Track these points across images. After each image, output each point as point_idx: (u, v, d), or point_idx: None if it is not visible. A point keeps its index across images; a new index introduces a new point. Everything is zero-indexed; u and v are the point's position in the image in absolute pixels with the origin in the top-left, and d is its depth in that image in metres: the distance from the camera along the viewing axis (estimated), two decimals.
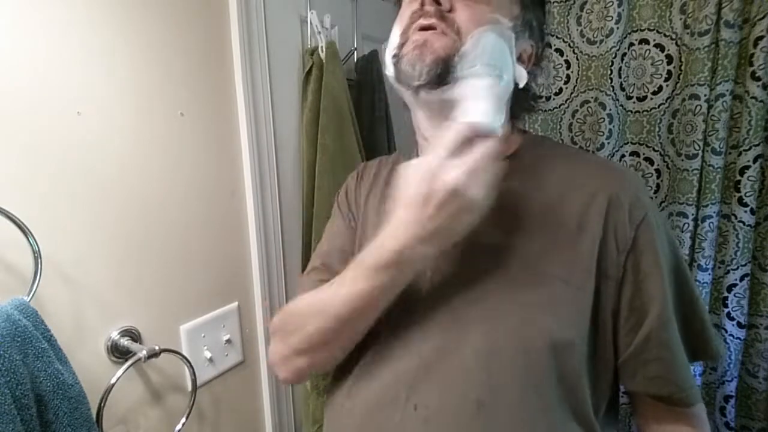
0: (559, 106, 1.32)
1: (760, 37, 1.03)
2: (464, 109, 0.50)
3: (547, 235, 0.54)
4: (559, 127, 1.33)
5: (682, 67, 1.15)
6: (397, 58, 0.54)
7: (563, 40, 1.27)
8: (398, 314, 0.56)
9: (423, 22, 0.52)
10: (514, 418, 0.50)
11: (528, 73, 0.58)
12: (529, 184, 0.57)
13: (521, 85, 0.56)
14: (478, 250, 0.55)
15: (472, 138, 0.46)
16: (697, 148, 1.12)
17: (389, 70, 0.57)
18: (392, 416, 0.53)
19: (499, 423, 0.50)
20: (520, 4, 0.56)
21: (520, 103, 0.61)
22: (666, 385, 0.55)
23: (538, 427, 0.51)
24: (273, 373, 1.06)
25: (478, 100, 0.50)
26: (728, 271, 1.14)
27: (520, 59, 0.57)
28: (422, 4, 0.53)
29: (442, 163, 0.45)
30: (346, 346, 0.57)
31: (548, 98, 1.31)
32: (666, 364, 0.54)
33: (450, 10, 0.52)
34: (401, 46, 0.54)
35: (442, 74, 0.51)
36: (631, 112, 1.24)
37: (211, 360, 0.93)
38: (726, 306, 1.15)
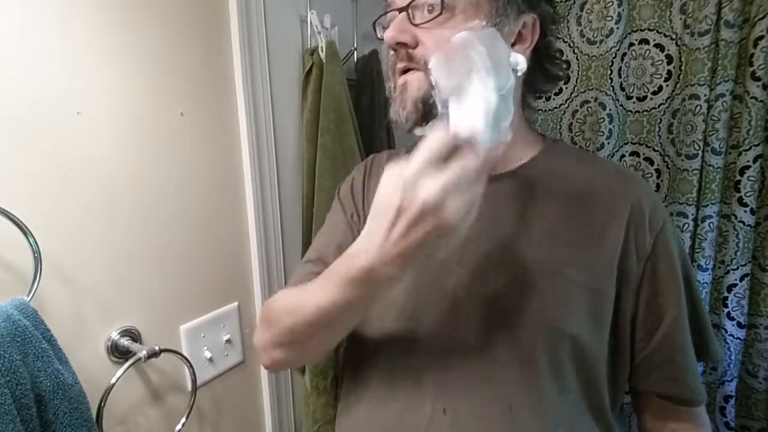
0: (559, 106, 1.32)
1: (760, 37, 1.03)
2: (453, 117, 0.43)
3: (569, 240, 0.55)
4: (559, 127, 1.33)
5: (682, 67, 1.15)
6: (389, 102, 0.56)
7: (563, 40, 1.27)
8: (419, 319, 0.56)
9: (399, 65, 0.53)
10: (542, 420, 0.52)
11: (535, 50, 0.55)
12: (551, 188, 0.57)
13: (520, 73, 0.50)
14: (501, 254, 0.55)
15: (455, 147, 0.41)
16: (697, 148, 1.12)
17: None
18: (420, 420, 0.53)
19: (527, 424, 0.51)
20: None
21: (534, 86, 0.60)
22: (678, 386, 0.57)
23: (563, 427, 0.52)
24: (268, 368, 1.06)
25: (469, 108, 0.43)
26: (728, 271, 1.14)
27: (518, 42, 0.54)
28: (394, 49, 0.53)
29: (421, 172, 0.39)
30: (322, 347, 0.57)
31: (548, 98, 1.31)
32: (679, 366, 0.57)
33: (416, 45, 0.52)
34: (391, 90, 0.55)
35: (425, 114, 0.51)
36: (631, 112, 1.24)
37: (211, 360, 0.93)
38: (726, 306, 1.15)
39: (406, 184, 0.40)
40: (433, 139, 0.41)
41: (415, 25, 0.51)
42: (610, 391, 0.57)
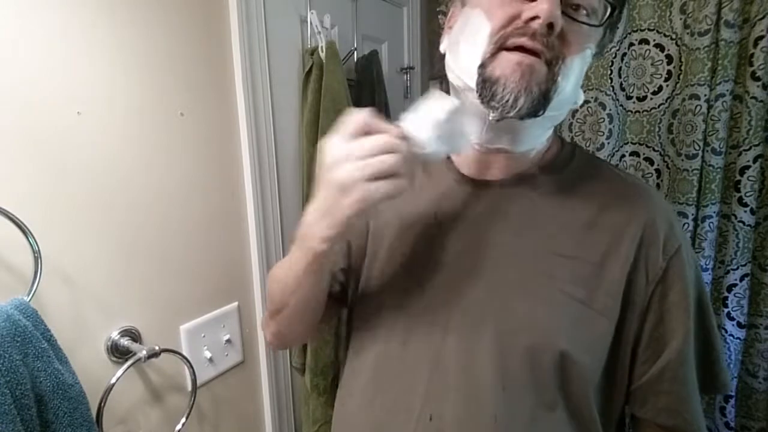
0: None
1: (760, 37, 1.03)
2: (404, 119, 0.47)
3: (573, 255, 0.52)
4: (559, 127, 1.33)
5: (682, 67, 1.15)
6: (484, 69, 0.47)
7: None
8: (412, 320, 0.56)
9: (526, 43, 0.45)
10: None
11: None
12: (562, 198, 0.55)
13: (577, 105, 0.54)
14: (501, 261, 0.54)
15: (367, 127, 0.45)
16: (697, 148, 1.12)
17: (469, 80, 0.49)
18: (406, 425, 0.53)
19: None
20: (609, 29, 0.52)
21: None
22: (675, 417, 0.54)
23: None
24: (272, 369, 1.06)
25: (427, 115, 0.46)
26: (728, 271, 1.14)
27: None
28: (529, 19, 0.45)
29: (333, 143, 0.46)
30: (298, 316, 0.59)
31: None
32: (678, 397, 0.54)
33: (558, 34, 0.46)
34: (491, 55, 0.47)
35: (538, 110, 0.47)
36: (631, 112, 1.24)
37: (211, 360, 0.93)
38: (726, 306, 1.15)
39: (333, 163, 0.45)
40: (353, 116, 0.46)
41: (564, 14, 0.46)
42: (602, 413, 0.54)
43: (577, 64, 0.49)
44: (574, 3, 0.47)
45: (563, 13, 0.45)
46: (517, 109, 0.46)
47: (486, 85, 0.47)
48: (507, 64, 0.46)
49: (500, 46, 0.47)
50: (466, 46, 0.50)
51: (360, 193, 0.43)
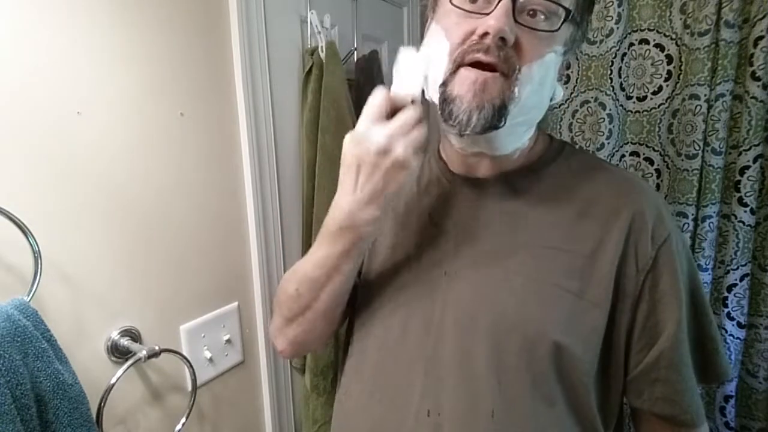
0: (559, 106, 1.32)
1: (760, 37, 1.03)
2: (394, 84, 0.52)
3: (564, 248, 0.53)
4: (559, 127, 1.33)
5: (682, 67, 1.15)
6: (445, 88, 0.50)
7: None
8: (408, 317, 0.56)
9: (482, 58, 0.47)
10: (526, 429, 0.51)
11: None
12: (551, 193, 0.56)
13: (556, 101, 0.55)
14: (494, 256, 0.54)
15: (393, 104, 0.50)
16: (697, 148, 1.12)
17: (432, 96, 0.52)
18: (404, 421, 0.53)
19: None
20: (578, 23, 0.52)
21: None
22: (672, 405, 0.54)
23: None
24: (272, 369, 1.06)
25: (401, 73, 0.52)
26: (728, 271, 1.14)
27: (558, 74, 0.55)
28: (482, 35, 0.47)
29: (368, 128, 0.49)
30: (326, 312, 0.59)
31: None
32: (674, 386, 0.54)
33: (513, 44, 0.47)
34: (451, 73, 0.49)
35: (496, 123, 0.49)
36: (631, 112, 1.24)
37: (211, 360, 0.93)
38: (726, 306, 1.15)
39: (360, 140, 0.49)
40: (374, 99, 0.50)
41: (518, 23, 0.47)
42: (601, 406, 0.55)
43: (536, 70, 0.49)
44: (531, 9, 0.48)
45: (518, 22, 0.47)
46: (471, 126, 0.48)
47: (445, 105, 0.50)
48: (462, 82, 0.49)
49: (459, 63, 0.49)
50: (430, 70, 0.52)
51: (416, 162, 0.48)
